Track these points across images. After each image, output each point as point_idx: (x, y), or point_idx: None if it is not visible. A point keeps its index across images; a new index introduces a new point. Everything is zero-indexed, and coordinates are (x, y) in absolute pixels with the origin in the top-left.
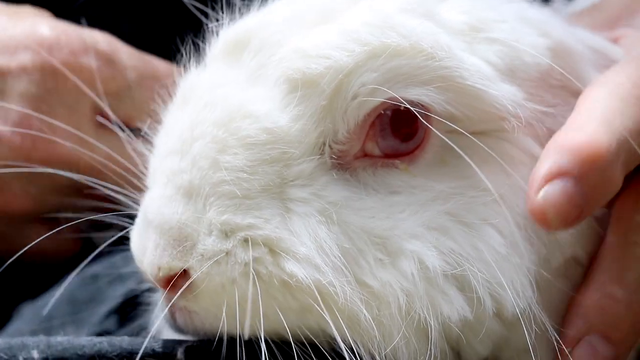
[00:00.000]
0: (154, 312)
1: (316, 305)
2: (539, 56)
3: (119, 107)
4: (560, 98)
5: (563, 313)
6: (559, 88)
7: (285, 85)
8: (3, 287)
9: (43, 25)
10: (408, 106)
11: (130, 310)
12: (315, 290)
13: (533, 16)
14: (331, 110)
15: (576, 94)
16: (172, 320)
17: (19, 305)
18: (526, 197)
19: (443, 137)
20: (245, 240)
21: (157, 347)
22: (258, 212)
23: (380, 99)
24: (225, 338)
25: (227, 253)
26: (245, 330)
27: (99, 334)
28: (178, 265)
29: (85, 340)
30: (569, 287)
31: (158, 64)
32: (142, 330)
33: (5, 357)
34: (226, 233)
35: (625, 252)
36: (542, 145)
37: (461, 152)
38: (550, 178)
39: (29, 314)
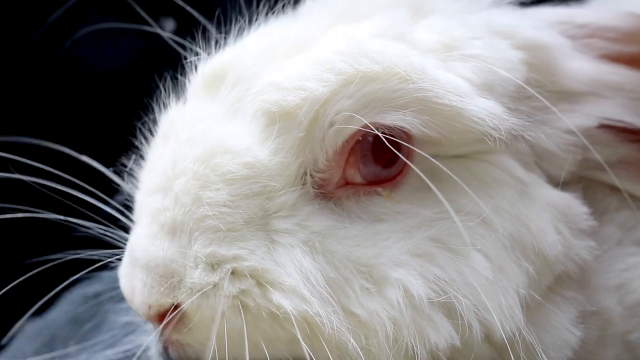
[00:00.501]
0: (149, 341)
1: (304, 336)
2: (514, 72)
3: None
4: (539, 108)
5: (555, 332)
6: (537, 98)
7: (263, 118)
8: (6, 304)
9: None
10: (377, 132)
11: (129, 332)
12: (302, 320)
13: (503, 24)
14: (309, 140)
15: (559, 93)
16: (166, 355)
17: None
18: None
19: (410, 164)
20: (232, 273)
21: None
22: (243, 244)
23: (356, 127)
24: None
25: (214, 285)
26: None
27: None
28: (168, 302)
29: None
30: (562, 303)
31: None
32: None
33: None
34: (212, 265)
35: None
36: (525, 164)
37: (424, 177)
38: None
39: (32, 332)
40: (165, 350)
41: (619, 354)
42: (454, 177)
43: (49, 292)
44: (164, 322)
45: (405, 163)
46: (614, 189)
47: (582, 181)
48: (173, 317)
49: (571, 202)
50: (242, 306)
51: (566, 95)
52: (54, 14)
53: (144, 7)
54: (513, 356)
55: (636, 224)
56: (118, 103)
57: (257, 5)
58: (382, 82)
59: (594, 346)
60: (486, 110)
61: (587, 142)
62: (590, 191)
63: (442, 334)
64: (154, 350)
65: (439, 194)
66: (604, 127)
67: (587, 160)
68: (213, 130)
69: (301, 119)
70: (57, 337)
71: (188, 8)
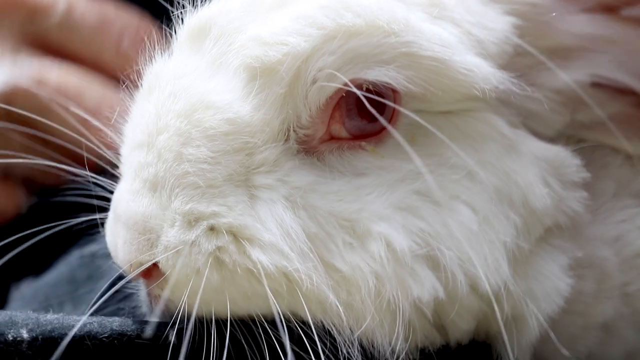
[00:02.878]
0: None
1: (282, 292)
2: (504, 38)
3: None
4: (526, 68)
5: (545, 280)
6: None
7: (245, 74)
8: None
9: None
10: (357, 92)
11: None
12: (281, 276)
13: None
14: (292, 97)
15: (549, 50)
16: (152, 308)
17: (19, 282)
18: None
19: (388, 126)
20: (210, 229)
21: (149, 329)
22: (222, 200)
23: (338, 85)
24: (213, 321)
25: (191, 243)
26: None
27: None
28: (145, 259)
29: (75, 320)
30: (552, 252)
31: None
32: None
33: None
34: (190, 222)
35: None
36: (511, 124)
37: (399, 138)
38: None
39: (28, 294)
40: (151, 304)
41: (618, 307)
42: (434, 130)
43: (44, 253)
44: (146, 274)
45: (391, 117)
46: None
47: (577, 139)
48: (153, 270)
49: (561, 154)
50: (218, 262)
51: (556, 52)
52: None
53: None
54: (498, 308)
55: (633, 177)
56: None
57: None
58: (366, 37)
59: (592, 299)
60: (474, 64)
61: (582, 98)
62: (589, 147)
63: (426, 287)
64: (145, 305)
65: (409, 149)
66: (595, 85)
67: (575, 121)
68: (195, 85)
69: (283, 75)
70: (53, 298)
71: None
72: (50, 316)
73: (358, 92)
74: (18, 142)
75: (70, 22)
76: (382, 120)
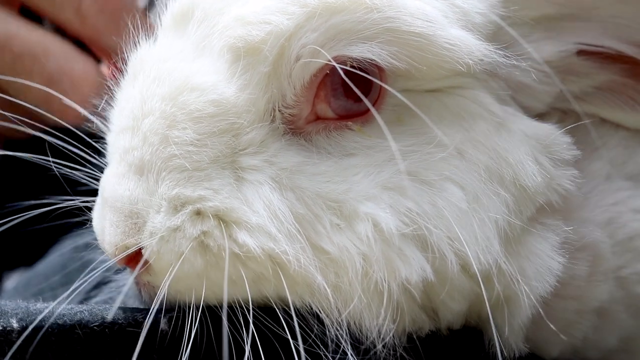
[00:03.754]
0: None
1: (269, 275)
2: (490, 10)
3: None
4: (513, 40)
5: (537, 260)
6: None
7: (229, 54)
8: None
9: None
10: (336, 65)
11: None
12: (267, 259)
13: None
14: (277, 75)
15: (535, 20)
16: (139, 295)
17: (12, 272)
18: None
19: (369, 104)
20: (196, 213)
21: (140, 317)
22: (208, 184)
23: (322, 60)
24: (200, 307)
25: (175, 229)
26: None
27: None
28: (132, 243)
29: (66, 309)
30: (544, 231)
31: None
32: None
33: None
34: (176, 207)
35: None
36: (500, 99)
37: (379, 118)
38: None
39: (21, 284)
40: (139, 292)
41: (612, 290)
42: (415, 109)
43: (37, 244)
44: (132, 262)
45: (377, 97)
46: (618, 127)
47: (573, 116)
48: (139, 257)
49: (551, 132)
50: (202, 247)
51: (542, 21)
52: None
53: None
54: (489, 287)
55: (627, 159)
56: None
57: None
58: (348, 13)
59: (585, 283)
60: (458, 38)
61: (570, 69)
62: (583, 128)
63: (414, 267)
64: (131, 292)
65: (386, 130)
66: (582, 53)
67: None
68: (180, 68)
69: (267, 54)
70: (46, 289)
71: None
72: (40, 305)
73: (338, 67)
74: None
75: None
76: (365, 101)
